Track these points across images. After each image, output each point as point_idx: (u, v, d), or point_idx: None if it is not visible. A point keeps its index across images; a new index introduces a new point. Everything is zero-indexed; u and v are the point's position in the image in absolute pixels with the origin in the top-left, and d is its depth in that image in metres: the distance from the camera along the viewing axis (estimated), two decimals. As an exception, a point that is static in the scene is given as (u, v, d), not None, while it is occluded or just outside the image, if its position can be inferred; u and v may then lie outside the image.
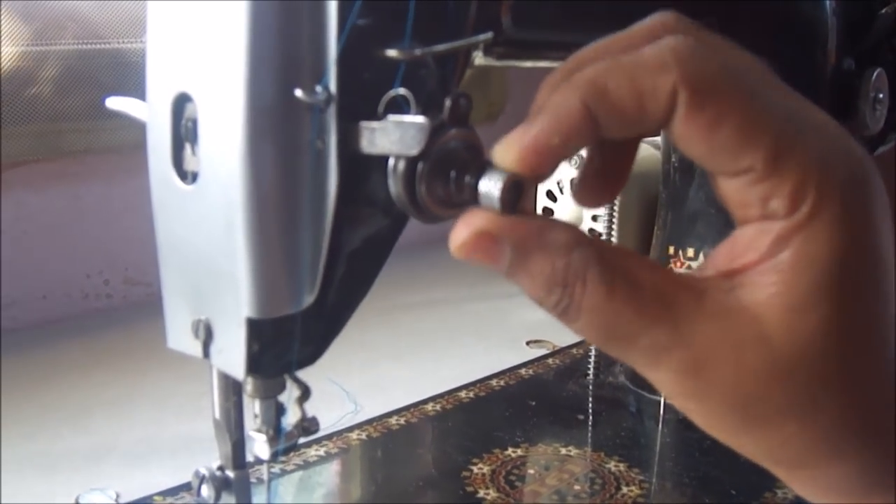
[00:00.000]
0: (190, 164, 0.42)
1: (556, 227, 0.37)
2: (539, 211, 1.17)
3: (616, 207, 1.25)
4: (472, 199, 0.38)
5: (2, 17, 1.19)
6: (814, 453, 0.38)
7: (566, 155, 0.38)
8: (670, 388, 0.38)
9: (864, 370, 0.37)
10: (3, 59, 1.20)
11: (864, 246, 0.37)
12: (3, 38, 1.19)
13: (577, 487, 0.85)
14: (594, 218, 1.37)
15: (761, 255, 0.37)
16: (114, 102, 0.49)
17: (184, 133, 0.42)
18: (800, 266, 0.36)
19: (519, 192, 0.38)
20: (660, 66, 0.36)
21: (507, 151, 0.38)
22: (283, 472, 0.85)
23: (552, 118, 0.37)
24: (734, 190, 0.38)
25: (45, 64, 1.25)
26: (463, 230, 0.37)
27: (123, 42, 1.30)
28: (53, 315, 1.35)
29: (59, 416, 1.02)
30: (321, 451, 0.89)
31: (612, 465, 0.89)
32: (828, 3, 0.79)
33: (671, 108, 0.36)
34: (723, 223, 0.84)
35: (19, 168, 1.31)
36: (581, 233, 0.37)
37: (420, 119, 0.38)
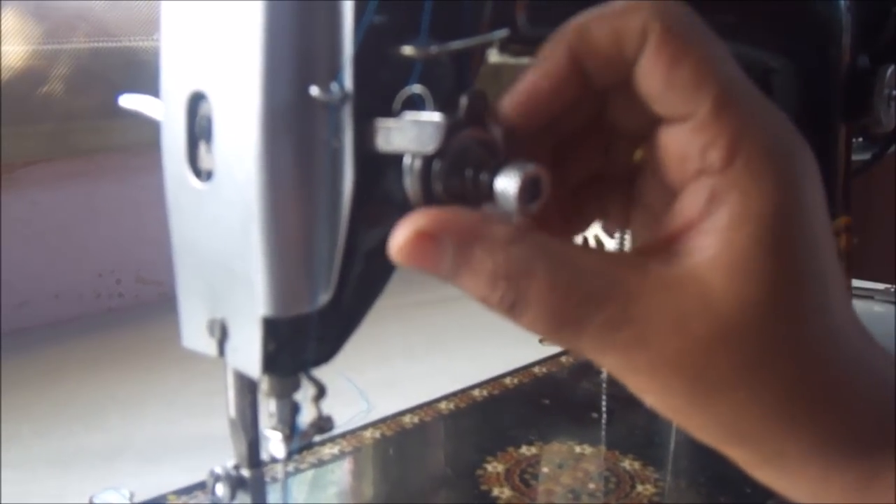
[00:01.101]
0: (205, 162, 0.42)
1: (496, 221, 0.37)
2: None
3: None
4: (489, 197, 0.38)
5: (14, 16, 1.19)
6: (769, 424, 0.37)
7: (558, 103, 0.40)
8: (620, 365, 0.37)
9: (809, 331, 0.37)
10: (14, 58, 1.20)
11: (799, 204, 0.37)
12: (14, 36, 1.19)
13: (591, 486, 0.85)
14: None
15: (698, 215, 0.37)
16: (127, 101, 0.49)
17: (198, 131, 0.42)
18: (736, 222, 0.36)
19: (536, 190, 0.38)
20: (634, 8, 0.38)
21: (506, 100, 0.40)
22: (297, 471, 0.85)
23: (541, 64, 0.40)
24: (677, 140, 0.38)
25: (56, 63, 1.26)
26: (402, 233, 0.37)
27: (135, 40, 1.30)
28: (66, 314, 1.36)
29: (72, 414, 1.02)
30: (335, 450, 0.89)
31: (626, 464, 0.89)
32: (842, 0, 0.79)
33: (642, 45, 0.38)
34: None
35: (31, 167, 1.31)
36: (521, 226, 0.37)
37: (436, 117, 0.38)
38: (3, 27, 1.18)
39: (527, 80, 0.40)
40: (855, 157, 0.87)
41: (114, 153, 1.36)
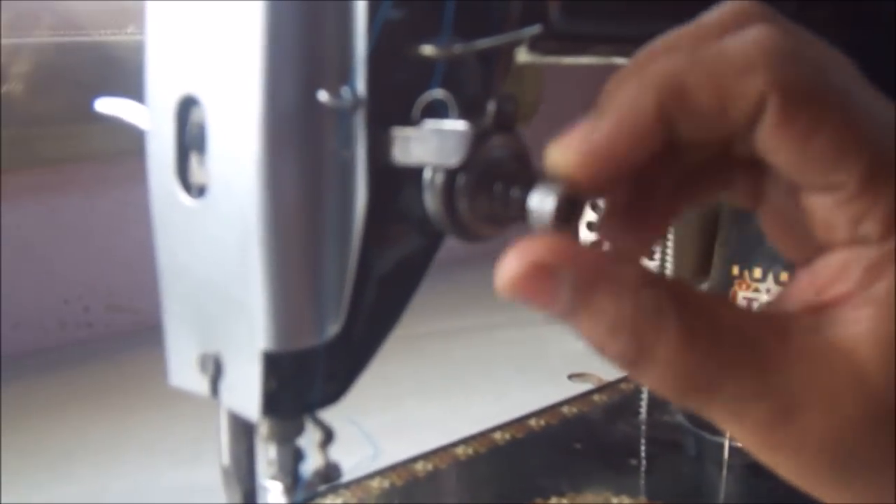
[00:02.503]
0: (197, 175, 0.43)
1: (624, 261, 0.36)
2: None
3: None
4: (520, 215, 0.38)
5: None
6: None
7: (632, 162, 0.38)
8: (758, 440, 0.37)
9: None
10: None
11: None
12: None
13: (630, 542, 0.85)
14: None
15: (852, 287, 0.37)
16: (105, 105, 0.50)
17: (190, 141, 0.43)
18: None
19: (575, 210, 0.38)
20: (747, 65, 0.36)
21: (565, 154, 0.38)
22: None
23: (620, 118, 0.37)
24: (820, 207, 0.38)
25: (17, 59, 1.26)
26: (514, 262, 0.35)
27: (107, 34, 1.31)
28: (27, 347, 1.36)
29: (36, 463, 1.02)
30: (338, 501, 0.89)
31: (670, 517, 0.89)
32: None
33: (757, 113, 0.36)
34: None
35: (-13, 179, 1.32)
36: (650, 270, 0.36)
37: (461, 125, 0.38)
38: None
39: (599, 134, 0.37)
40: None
41: (84, 163, 1.37)
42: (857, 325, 0.36)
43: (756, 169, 0.43)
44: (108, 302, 1.44)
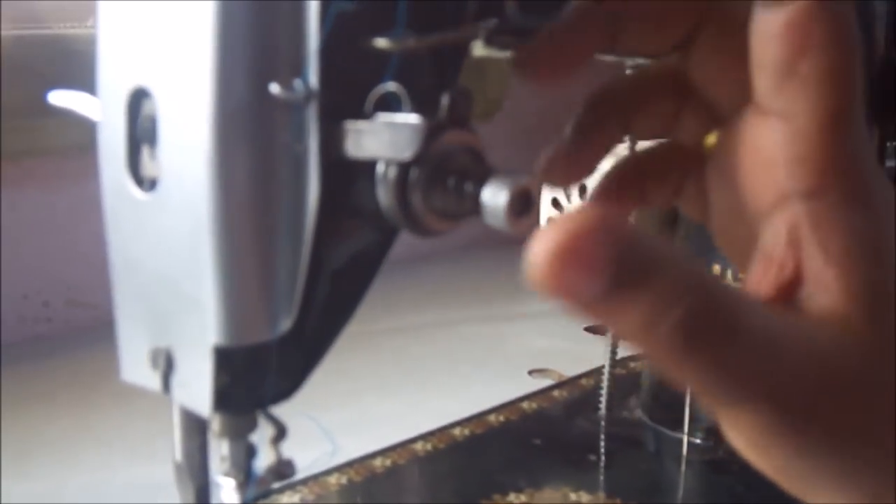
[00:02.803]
0: (148, 169, 0.42)
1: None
2: (543, 221, 1.17)
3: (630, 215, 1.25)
4: (474, 210, 0.38)
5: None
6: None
7: None
8: (760, 433, 0.36)
9: None
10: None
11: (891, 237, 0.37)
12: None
13: (589, 538, 0.85)
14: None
15: (808, 252, 0.37)
16: (57, 97, 0.49)
17: (141, 133, 0.42)
18: (855, 253, 0.36)
19: (528, 204, 0.37)
20: None
21: None
22: (252, 523, 0.85)
23: None
24: (767, 131, 0.38)
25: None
26: (547, 241, 0.31)
27: (67, 27, 1.30)
28: (-15, 342, 1.35)
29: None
30: (295, 498, 0.89)
31: (628, 513, 0.89)
32: (877, -11, 0.80)
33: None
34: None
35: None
36: None
37: (414, 118, 0.38)
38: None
39: None
40: (889, 164, 0.87)
41: (43, 157, 1.36)
42: (830, 292, 0.36)
43: (704, 172, 0.44)
44: (68, 297, 1.43)
